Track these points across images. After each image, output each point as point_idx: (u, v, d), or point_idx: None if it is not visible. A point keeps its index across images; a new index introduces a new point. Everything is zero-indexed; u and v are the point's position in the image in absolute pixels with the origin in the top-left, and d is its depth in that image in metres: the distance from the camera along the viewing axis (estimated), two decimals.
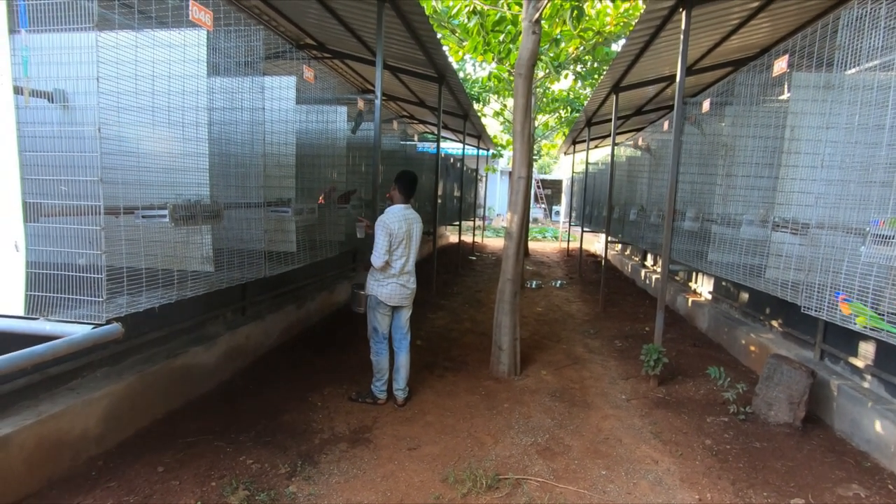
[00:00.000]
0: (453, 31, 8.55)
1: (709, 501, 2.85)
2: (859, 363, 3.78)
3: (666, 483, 3.03)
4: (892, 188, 2.08)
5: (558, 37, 8.29)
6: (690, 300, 7.12)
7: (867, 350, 3.73)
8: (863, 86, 2.32)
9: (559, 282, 9.92)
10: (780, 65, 2.97)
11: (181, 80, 2.38)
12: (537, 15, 4.27)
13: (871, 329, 2.17)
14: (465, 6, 5.86)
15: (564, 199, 18.49)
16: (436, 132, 8.32)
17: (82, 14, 1.96)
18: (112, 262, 2.11)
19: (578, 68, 11.06)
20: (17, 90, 2.19)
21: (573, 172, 15.14)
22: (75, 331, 1.68)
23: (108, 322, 1.80)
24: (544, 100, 13.85)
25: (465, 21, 6.47)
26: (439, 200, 8.51)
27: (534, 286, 9.43)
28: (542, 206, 27.93)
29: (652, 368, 4.44)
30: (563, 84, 13.69)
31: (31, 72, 2.39)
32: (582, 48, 9.67)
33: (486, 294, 8.40)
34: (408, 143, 8.11)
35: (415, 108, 11.79)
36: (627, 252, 11.98)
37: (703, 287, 7.21)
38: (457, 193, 11.86)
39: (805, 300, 2.56)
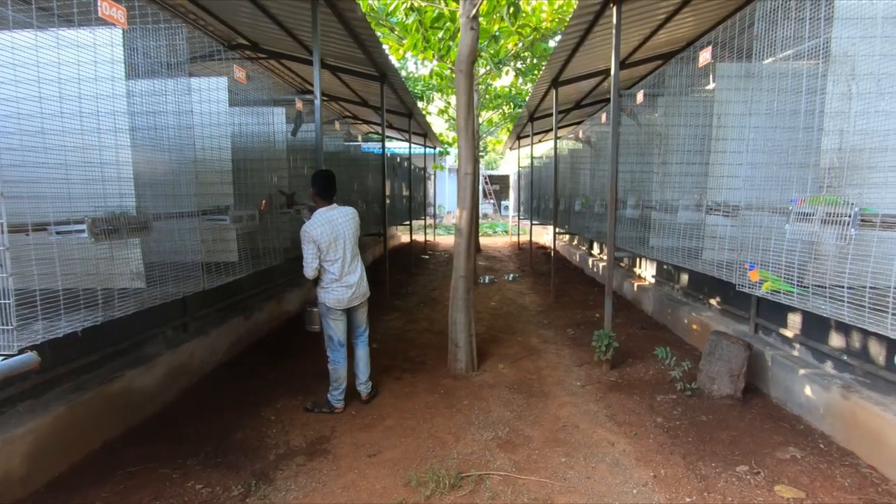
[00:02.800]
0: (392, 30, 8.46)
1: (663, 477, 2.96)
2: (789, 333, 4.06)
3: (623, 464, 3.12)
4: (808, 169, 2.23)
5: (497, 33, 8.38)
6: (636, 285, 7.41)
7: (795, 321, 4.01)
8: (779, 74, 2.47)
9: (511, 275, 10.06)
10: (705, 56, 3.12)
11: (94, 83, 2.19)
12: (474, 11, 4.28)
13: (773, 293, 2.33)
14: (403, 3, 5.80)
15: (512, 193, 18.80)
16: (380, 132, 8.21)
17: None
18: (24, 285, 1.91)
19: (518, 64, 11.26)
20: None
21: (519, 167, 15.41)
22: None
23: (22, 351, 1.63)
24: (487, 96, 14.00)
25: (403, 18, 6.41)
26: (388, 201, 8.39)
27: (487, 281, 9.52)
28: (492, 201, 28.29)
29: (604, 354, 4.57)
30: (505, 80, 13.89)
31: None
32: (521, 44, 9.83)
33: (441, 292, 8.39)
34: (352, 143, 7.94)
35: (358, 109, 11.59)
36: (575, 242, 12.33)
37: (647, 272, 7.52)
38: (405, 193, 11.79)
39: (739, 278, 2.71)
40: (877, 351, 3.23)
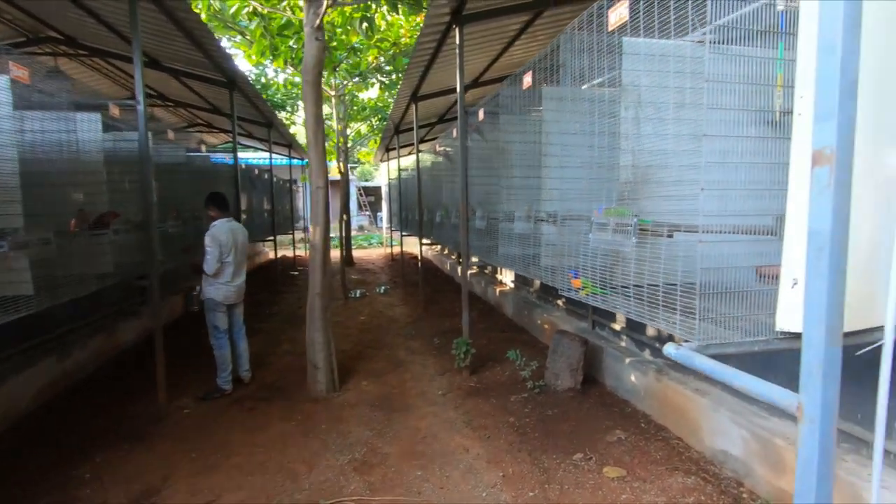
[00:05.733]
0: (243, 34, 7.96)
1: (510, 476, 3.11)
2: (617, 327, 4.58)
3: (475, 468, 3.21)
4: (611, 183, 2.53)
5: (356, 45, 8.34)
6: (498, 290, 7.84)
7: (620, 316, 4.54)
8: (582, 98, 2.78)
9: (383, 287, 10.01)
10: (527, 79, 3.42)
11: None
12: (318, 21, 4.17)
13: (590, 296, 2.61)
14: (244, 6, 5.46)
15: (385, 205, 18.84)
16: (235, 140, 7.63)
17: None
18: None
19: (382, 78, 11.34)
20: None
21: (389, 179, 15.51)
22: None
23: None
24: (354, 108, 13.87)
25: (247, 23, 6.05)
26: (244, 215, 7.82)
27: (357, 295, 9.34)
28: (367, 213, 28.07)
29: (463, 361, 4.72)
30: (372, 92, 13.90)
31: None
32: (382, 58, 9.91)
33: None
34: (197, 154, 7.26)
35: (212, 117, 10.69)
36: (445, 252, 12.71)
37: (507, 277, 8.01)
38: (267, 206, 11.10)
39: (561, 283, 2.98)
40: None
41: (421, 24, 9.12)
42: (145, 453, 3.50)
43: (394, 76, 11.30)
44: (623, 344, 4.52)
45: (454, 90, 7.62)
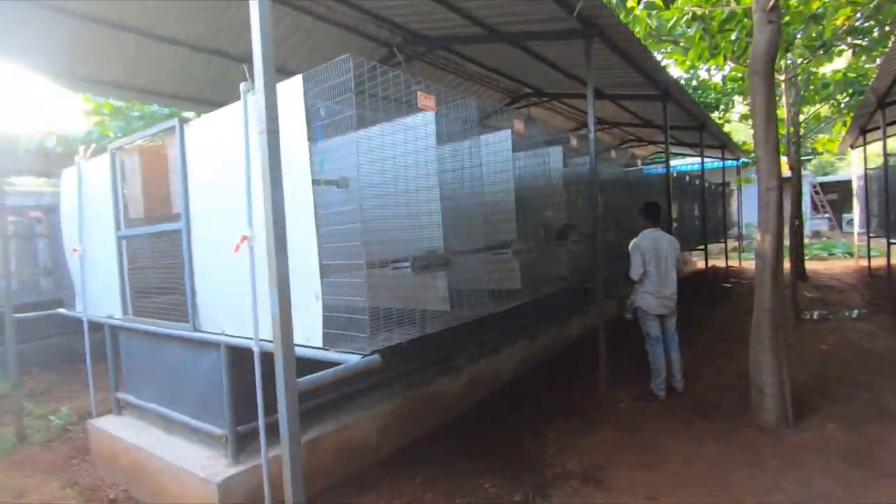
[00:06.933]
0: (677, 42, 7.93)
1: None
2: None
3: None
4: None
5: (818, 11, 6.79)
6: None
7: None
8: None
9: (856, 311, 7.71)
10: None
11: (415, 154, 2.94)
12: (772, 2, 3.68)
13: None
14: (684, 16, 5.42)
15: (857, 204, 14.31)
16: (668, 150, 7.70)
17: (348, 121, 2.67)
18: (373, 305, 2.69)
19: (857, 41, 8.76)
20: (317, 182, 3.06)
21: (866, 169, 11.74)
22: (349, 359, 2.22)
23: (372, 353, 2.31)
24: (811, 87, 11.31)
25: (686, 30, 5.97)
26: (674, 224, 7.76)
27: (816, 317, 7.56)
28: (826, 215, 22.36)
29: None
30: (838, 63, 10.98)
31: (325, 167, 3.31)
32: (860, 14, 7.66)
33: (745, 326, 7.05)
34: (631, 168, 7.75)
35: (640, 130, 11.23)
36: None
37: None
38: (697, 213, 10.56)
39: None
40: None
41: None
42: (591, 434, 4.03)
43: (876, 33, 8.54)
44: None
45: None
